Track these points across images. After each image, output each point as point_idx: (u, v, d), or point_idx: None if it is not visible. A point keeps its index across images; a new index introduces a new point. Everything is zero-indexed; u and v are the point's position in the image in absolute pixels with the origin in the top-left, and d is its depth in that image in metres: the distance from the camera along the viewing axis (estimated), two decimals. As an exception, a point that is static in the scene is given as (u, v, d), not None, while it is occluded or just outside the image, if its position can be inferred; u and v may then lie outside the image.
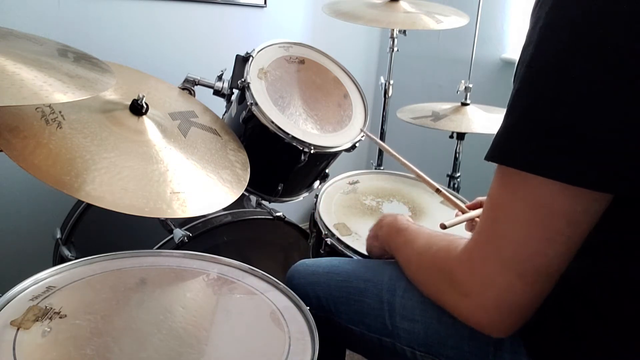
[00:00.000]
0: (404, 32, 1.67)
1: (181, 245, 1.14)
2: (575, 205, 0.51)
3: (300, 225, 1.39)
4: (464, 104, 1.61)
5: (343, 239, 1.10)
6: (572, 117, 0.49)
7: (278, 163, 1.30)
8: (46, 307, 0.72)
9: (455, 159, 1.71)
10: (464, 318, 0.61)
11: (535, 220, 0.53)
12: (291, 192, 1.42)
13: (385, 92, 1.73)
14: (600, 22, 0.48)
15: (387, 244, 0.85)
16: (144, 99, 0.99)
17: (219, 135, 1.16)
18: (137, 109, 0.99)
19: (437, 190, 1.05)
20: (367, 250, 0.97)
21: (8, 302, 0.72)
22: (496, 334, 0.60)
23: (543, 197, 0.52)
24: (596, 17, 0.48)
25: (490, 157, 0.55)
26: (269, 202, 1.40)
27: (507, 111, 0.55)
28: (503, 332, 0.59)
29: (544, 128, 0.51)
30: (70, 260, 0.85)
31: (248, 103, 1.21)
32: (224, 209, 1.20)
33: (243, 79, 1.23)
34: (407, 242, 0.77)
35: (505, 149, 0.54)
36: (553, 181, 0.50)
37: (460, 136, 1.66)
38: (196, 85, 1.29)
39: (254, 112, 1.20)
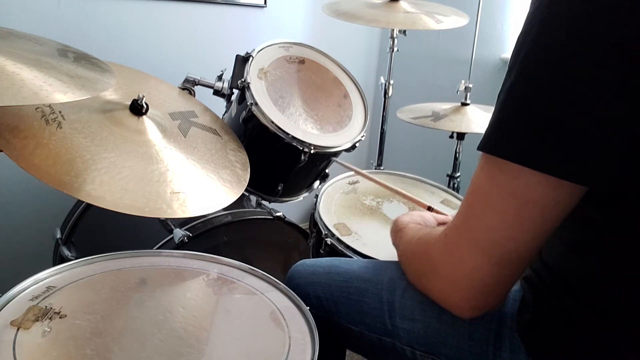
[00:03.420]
0: (404, 32, 1.67)
1: (181, 245, 1.14)
2: (550, 196, 0.53)
3: (300, 225, 1.39)
4: (464, 104, 1.61)
5: (343, 239, 1.10)
6: (562, 111, 0.50)
7: (278, 163, 1.30)
8: (46, 307, 0.72)
9: (455, 159, 1.71)
10: (435, 296, 0.65)
11: (510, 207, 0.54)
12: (291, 192, 1.42)
13: (385, 92, 1.73)
14: (605, 18, 0.48)
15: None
16: (144, 99, 0.99)
17: (219, 135, 1.16)
18: (137, 109, 0.99)
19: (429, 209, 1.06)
20: None
21: (8, 302, 0.72)
22: (464, 313, 0.62)
23: (520, 186, 0.53)
24: (600, 13, 0.48)
25: (479, 146, 0.57)
26: (269, 202, 1.40)
27: (500, 103, 0.55)
28: (470, 312, 0.62)
29: (531, 120, 0.52)
30: (70, 260, 0.85)
31: (248, 103, 1.21)
32: (224, 209, 1.20)
33: (243, 79, 1.23)
34: (399, 238, 0.81)
35: (491, 138, 0.55)
36: (531, 170, 0.52)
37: (460, 136, 1.66)
38: (196, 85, 1.29)
39: (254, 112, 1.20)
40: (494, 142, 0.55)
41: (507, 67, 0.56)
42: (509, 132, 0.54)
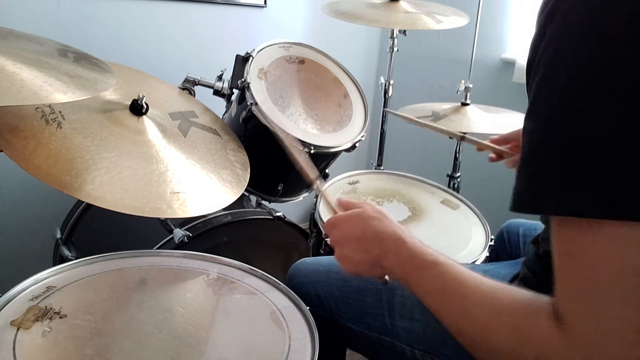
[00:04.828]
0: (404, 32, 1.67)
1: (181, 245, 1.14)
2: None
3: (300, 225, 1.39)
4: (464, 104, 1.61)
5: (343, 239, 1.10)
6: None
7: (278, 163, 1.30)
8: (46, 307, 0.72)
9: (455, 159, 1.71)
10: None
11: None
12: (291, 192, 1.42)
13: (385, 92, 1.73)
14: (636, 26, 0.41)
15: (405, 282, 0.65)
16: (144, 99, 0.99)
17: (219, 135, 1.16)
18: (137, 109, 0.99)
19: None
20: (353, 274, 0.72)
21: (8, 302, 0.72)
22: None
23: None
24: (629, 21, 0.42)
25: (570, 211, 0.45)
26: (269, 202, 1.40)
27: (551, 152, 0.46)
28: None
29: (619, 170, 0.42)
30: (70, 260, 0.85)
31: (248, 103, 1.21)
32: (224, 209, 1.20)
33: (243, 79, 1.23)
34: (448, 289, 0.59)
35: (574, 197, 0.45)
36: None
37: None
38: (196, 85, 1.29)
39: (254, 112, 1.20)
40: (586, 201, 0.44)
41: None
42: (598, 186, 0.44)
